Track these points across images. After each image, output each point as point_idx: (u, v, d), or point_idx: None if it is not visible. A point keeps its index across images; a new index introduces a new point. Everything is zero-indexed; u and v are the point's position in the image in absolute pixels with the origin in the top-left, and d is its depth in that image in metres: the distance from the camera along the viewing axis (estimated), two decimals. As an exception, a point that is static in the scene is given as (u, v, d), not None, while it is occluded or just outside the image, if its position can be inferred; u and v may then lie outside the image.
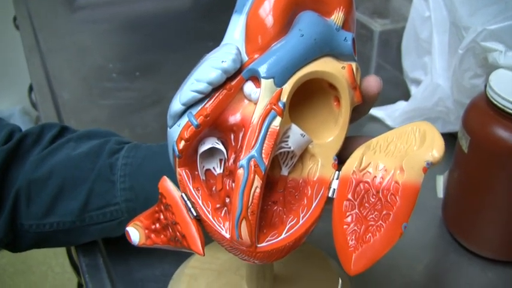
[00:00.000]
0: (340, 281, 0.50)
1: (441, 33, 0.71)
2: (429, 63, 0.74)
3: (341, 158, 0.38)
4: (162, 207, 0.39)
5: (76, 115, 0.84)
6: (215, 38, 0.38)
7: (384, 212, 0.34)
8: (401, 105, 0.80)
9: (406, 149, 0.35)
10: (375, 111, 0.80)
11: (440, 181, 0.65)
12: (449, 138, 0.69)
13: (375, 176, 0.35)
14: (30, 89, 1.25)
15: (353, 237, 0.35)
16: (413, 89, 0.81)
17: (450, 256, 0.60)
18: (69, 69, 0.97)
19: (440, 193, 0.65)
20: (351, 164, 0.37)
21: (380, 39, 0.87)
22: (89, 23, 1.15)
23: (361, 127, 0.79)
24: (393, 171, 0.34)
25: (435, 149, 0.34)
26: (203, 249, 0.37)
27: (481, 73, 0.64)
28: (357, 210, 0.35)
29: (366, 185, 0.35)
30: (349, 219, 0.35)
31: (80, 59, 1.01)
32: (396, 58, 0.85)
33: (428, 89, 0.72)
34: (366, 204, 0.35)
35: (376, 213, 0.34)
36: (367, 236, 0.34)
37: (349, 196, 0.36)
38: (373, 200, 0.35)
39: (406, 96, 0.81)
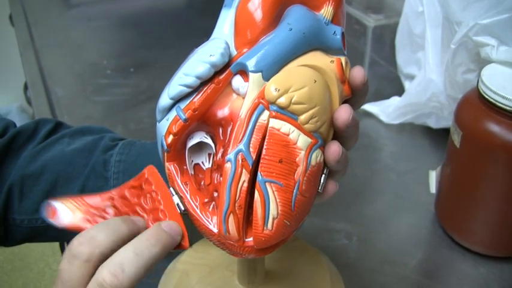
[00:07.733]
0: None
1: (434, 28, 0.71)
2: (423, 59, 0.74)
3: None
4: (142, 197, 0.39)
5: (70, 111, 0.84)
6: (209, 34, 0.38)
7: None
8: (395, 100, 0.80)
9: None
10: (369, 107, 0.80)
11: (433, 176, 0.65)
12: (443, 133, 0.69)
13: None
14: (26, 86, 1.25)
15: None
16: (407, 84, 0.81)
17: (443, 251, 0.60)
18: (64, 65, 0.97)
19: (433, 188, 0.65)
20: None
21: (374, 35, 0.87)
22: (83, 19, 1.15)
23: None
24: None
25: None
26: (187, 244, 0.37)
27: (474, 68, 0.64)
28: None
29: None
30: None
31: (75, 55, 1.01)
32: (390, 53, 0.85)
33: (422, 84, 0.72)
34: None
35: None
36: None
37: None
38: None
39: (400, 91, 0.81)
